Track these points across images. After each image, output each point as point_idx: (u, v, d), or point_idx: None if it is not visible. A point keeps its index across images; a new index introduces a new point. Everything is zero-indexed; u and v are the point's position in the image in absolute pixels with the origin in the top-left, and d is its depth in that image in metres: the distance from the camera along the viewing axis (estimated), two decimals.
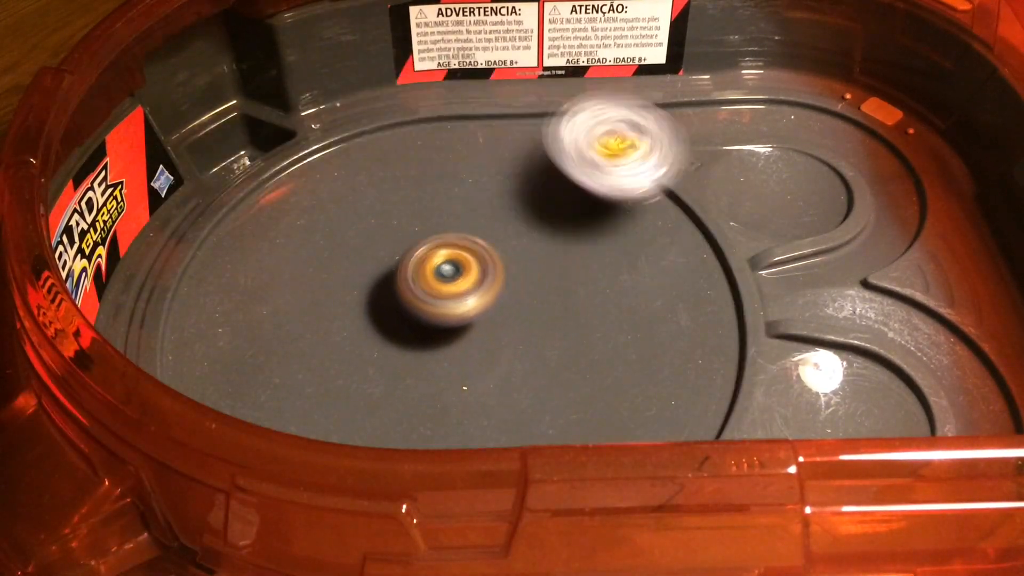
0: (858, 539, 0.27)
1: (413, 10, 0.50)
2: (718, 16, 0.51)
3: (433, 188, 0.47)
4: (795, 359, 0.40)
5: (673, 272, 0.43)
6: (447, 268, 0.39)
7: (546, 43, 0.51)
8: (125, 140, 0.43)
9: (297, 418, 0.38)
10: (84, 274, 0.40)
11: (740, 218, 0.45)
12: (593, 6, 0.50)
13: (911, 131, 0.49)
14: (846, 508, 0.27)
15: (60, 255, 0.37)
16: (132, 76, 0.43)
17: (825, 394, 0.38)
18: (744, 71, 0.52)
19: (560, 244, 0.44)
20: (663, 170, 0.41)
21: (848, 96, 0.51)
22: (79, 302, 0.39)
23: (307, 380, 0.39)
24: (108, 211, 0.42)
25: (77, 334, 0.29)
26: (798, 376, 0.39)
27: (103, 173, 0.41)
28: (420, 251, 0.40)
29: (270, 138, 0.49)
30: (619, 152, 0.42)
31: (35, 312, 0.30)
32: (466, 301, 0.38)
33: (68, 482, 0.29)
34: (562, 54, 0.52)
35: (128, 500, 0.29)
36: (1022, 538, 0.27)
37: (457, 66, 0.52)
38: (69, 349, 0.29)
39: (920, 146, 0.49)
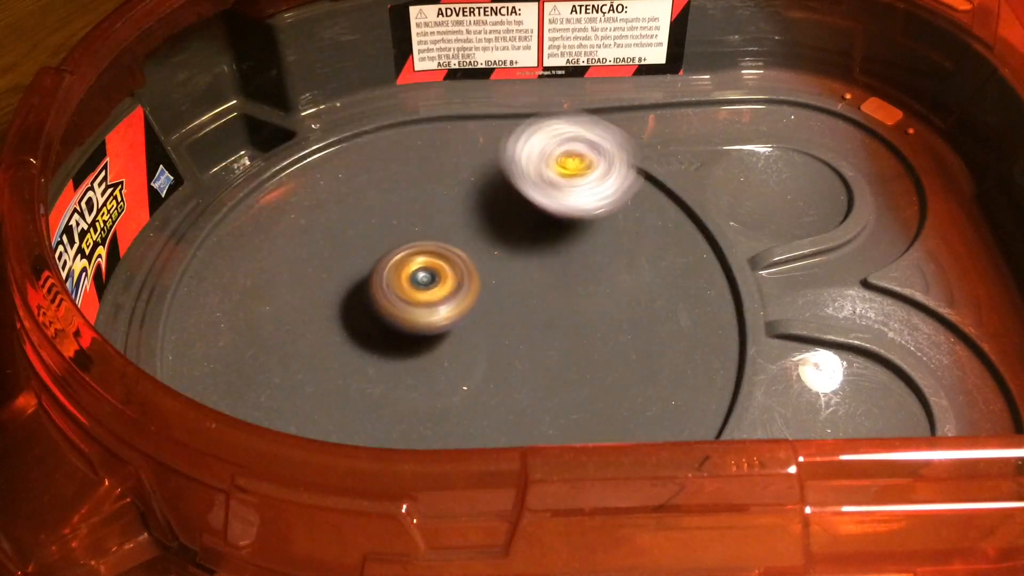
0: (858, 539, 0.27)
1: (413, 10, 0.49)
2: (718, 16, 0.51)
3: (433, 188, 0.47)
4: (795, 359, 0.40)
5: (673, 272, 0.43)
6: (423, 275, 0.39)
7: (546, 43, 0.51)
8: (125, 140, 0.43)
9: (297, 418, 0.38)
10: (84, 274, 0.40)
11: (740, 218, 0.45)
12: (593, 6, 0.50)
13: (911, 131, 0.49)
14: (846, 508, 0.27)
15: (60, 255, 0.37)
16: (132, 76, 0.43)
17: (825, 394, 0.38)
18: (744, 71, 0.52)
19: (560, 244, 0.44)
20: (619, 188, 0.42)
21: (848, 96, 0.51)
22: (79, 302, 0.39)
23: (307, 380, 0.39)
24: (108, 211, 0.42)
25: (77, 334, 0.29)
26: (798, 376, 0.39)
27: (103, 173, 0.41)
28: (397, 257, 0.39)
29: (270, 138, 0.49)
30: (576, 172, 0.42)
31: (35, 312, 0.30)
32: (438, 310, 0.38)
33: (68, 482, 0.29)
34: (562, 54, 0.52)
35: (128, 500, 0.29)
36: (1022, 538, 0.27)
37: (457, 66, 0.52)
38: (69, 349, 0.29)
39: (920, 146, 0.49)
